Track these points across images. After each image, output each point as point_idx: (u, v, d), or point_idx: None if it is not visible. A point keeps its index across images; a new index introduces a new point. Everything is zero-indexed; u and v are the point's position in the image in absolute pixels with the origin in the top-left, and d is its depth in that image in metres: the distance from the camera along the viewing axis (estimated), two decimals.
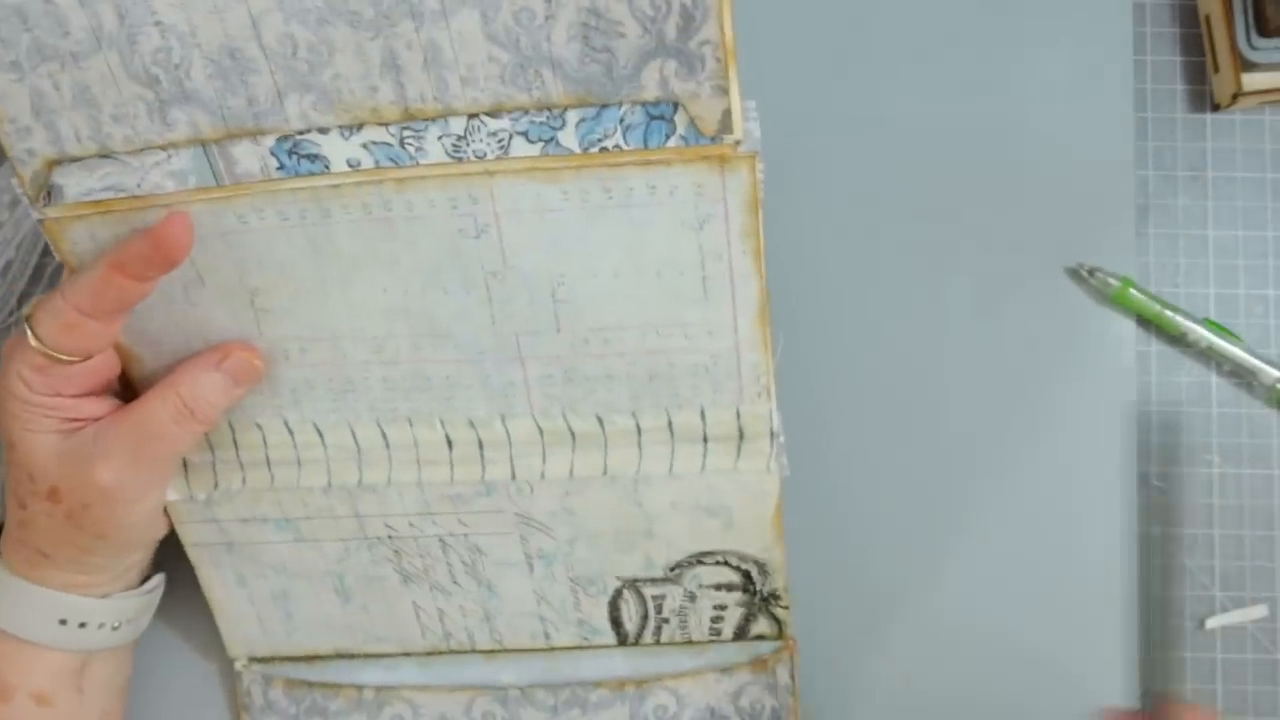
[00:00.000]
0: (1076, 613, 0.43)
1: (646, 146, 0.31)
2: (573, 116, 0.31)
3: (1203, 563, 0.43)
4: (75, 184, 0.33)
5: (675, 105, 0.30)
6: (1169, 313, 0.43)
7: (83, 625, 0.36)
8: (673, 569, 0.39)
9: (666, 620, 0.40)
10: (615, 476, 0.37)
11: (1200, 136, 0.44)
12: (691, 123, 0.30)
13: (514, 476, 0.37)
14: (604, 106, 0.30)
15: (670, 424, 0.36)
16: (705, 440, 0.36)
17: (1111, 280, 0.42)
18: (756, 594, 0.39)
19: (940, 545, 0.43)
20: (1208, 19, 0.43)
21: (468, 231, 0.32)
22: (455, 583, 0.39)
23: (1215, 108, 0.44)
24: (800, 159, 0.44)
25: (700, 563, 0.38)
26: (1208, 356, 0.43)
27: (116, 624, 0.37)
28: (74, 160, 0.33)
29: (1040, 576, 0.43)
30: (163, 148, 0.33)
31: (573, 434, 0.36)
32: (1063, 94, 0.44)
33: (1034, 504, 0.43)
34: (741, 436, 0.36)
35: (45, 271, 0.45)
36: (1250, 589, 0.43)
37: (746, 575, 0.38)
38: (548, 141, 0.31)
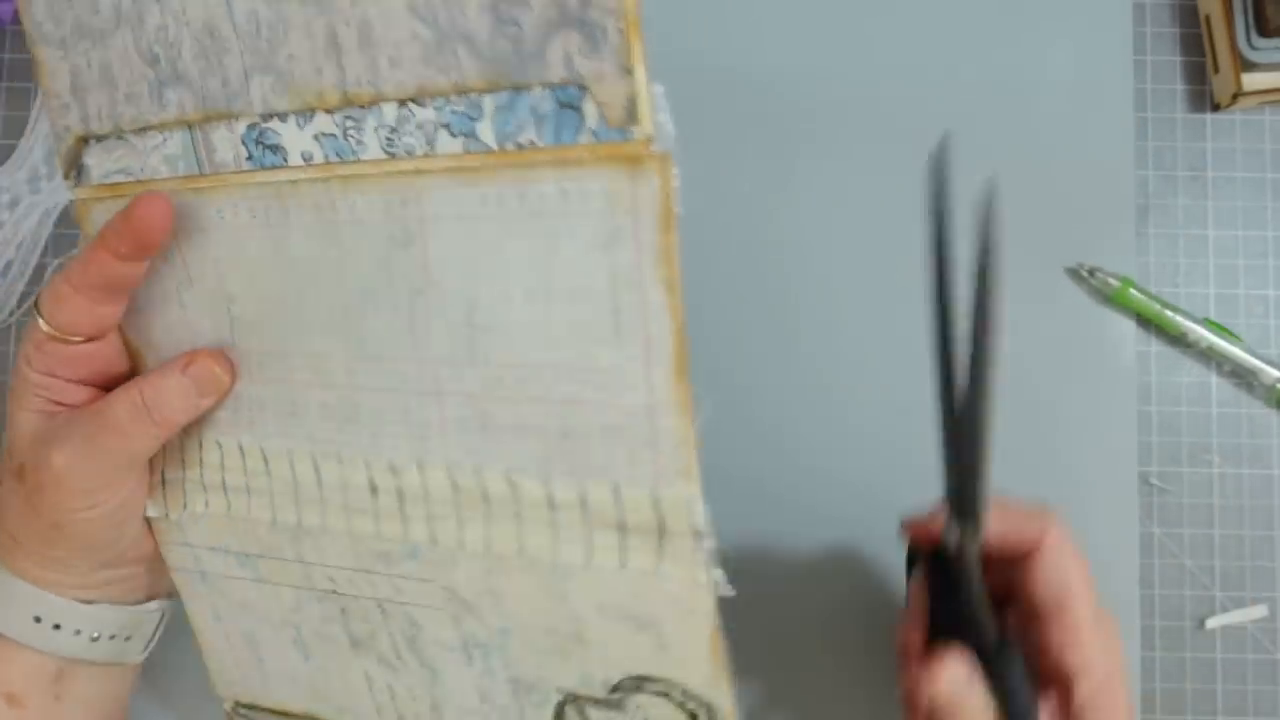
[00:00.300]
0: None
1: (559, 142, 0.28)
2: (489, 104, 0.29)
3: (1203, 563, 0.43)
4: (97, 165, 0.34)
5: (583, 89, 0.27)
6: (1169, 313, 0.43)
7: (57, 627, 0.35)
8: (614, 690, 0.33)
9: None
10: (533, 560, 0.32)
11: (1200, 136, 0.44)
12: (600, 112, 0.27)
13: (435, 541, 0.33)
14: (516, 91, 0.28)
15: (584, 501, 0.31)
16: (622, 530, 0.31)
17: (1111, 280, 0.42)
18: None
19: None
20: (1208, 19, 0.43)
21: (397, 239, 0.31)
22: (399, 658, 0.36)
23: (1215, 108, 0.44)
24: (799, 159, 0.44)
25: (641, 689, 0.33)
26: (1208, 356, 0.43)
27: (95, 634, 0.36)
28: (98, 140, 0.33)
29: None
30: (159, 129, 0.33)
31: (486, 497, 0.32)
32: (1063, 94, 0.44)
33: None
34: (662, 531, 0.30)
35: (45, 272, 0.45)
36: (1250, 589, 0.43)
37: (694, 717, 0.32)
38: (468, 136, 0.29)
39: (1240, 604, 0.43)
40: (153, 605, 0.38)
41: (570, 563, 0.32)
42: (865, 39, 0.44)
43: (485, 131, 0.29)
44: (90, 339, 0.34)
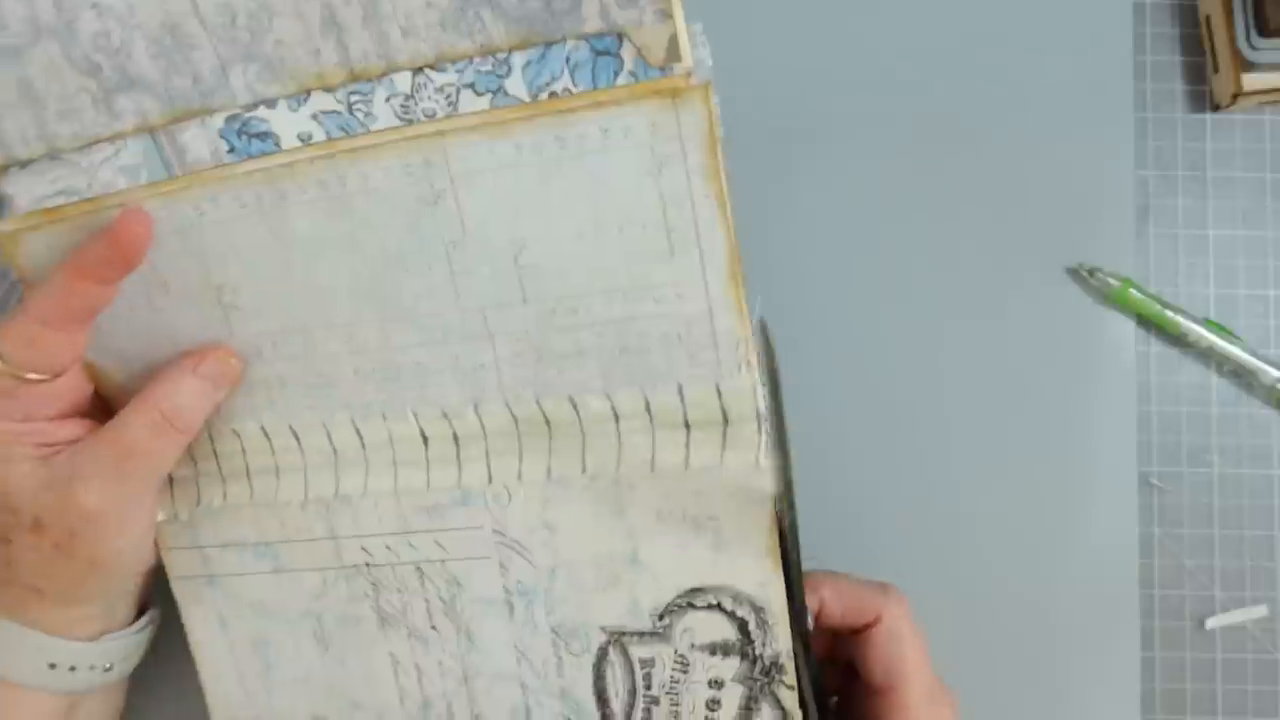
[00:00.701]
0: (1076, 612, 0.43)
1: (595, 86, 0.29)
2: (518, 60, 0.29)
3: (1203, 563, 0.43)
4: (25, 192, 0.32)
5: (620, 37, 0.28)
6: (1169, 313, 0.43)
7: (73, 669, 0.35)
8: (661, 617, 0.35)
9: (656, 701, 0.35)
10: (595, 475, 0.34)
11: (1200, 136, 0.44)
12: (639, 54, 0.28)
13: (491, 478, 0.34)
14: (548, 45, 0.29)
15: (648, 406, 0.33)
16: (687, 426, 0.33)
17: (1111, 280, 0.42)
18: (756, 662, 0.34)
19: (940, 545, 0.43)
20: (1208, 19, 0.43)
21: (425, 198, 0.31)
22: (433, 627, 0.36)
23: (1215, 108, 0.44)
24: (798, 159, 0.44)
25: (691, 606, 0.34)
26: (1208, 356, 0.43)
27: (108, 665, 0.36)
28: (22, 165, 0.32)
29: (1040, 576, 0.43)
30: (111, 140, 0.31)
31: (548, 422, 0.34)
32: (1063, 94, 0.44)
33: (1034, 503, 0.43)
34: (725, 420, 0.33)
35: None
36: (1250, 589, 0.43)
37: (743, 628, 0.34)
38: (495, 92, 0.30)
39: (1240, 604, 0.43)
40: (144, 619, 0.38)
41: (634, 470, 0.34)
42: (865, 38, 0.44)
43: (515, 86, 0.29)
44: (64, 371, 0.33)
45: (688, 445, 0.33)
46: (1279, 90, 0.42)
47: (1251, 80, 0.42)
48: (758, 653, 0.34)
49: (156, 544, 0.37)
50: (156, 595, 0.38)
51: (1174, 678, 0.43)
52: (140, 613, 0.38)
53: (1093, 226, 0.43)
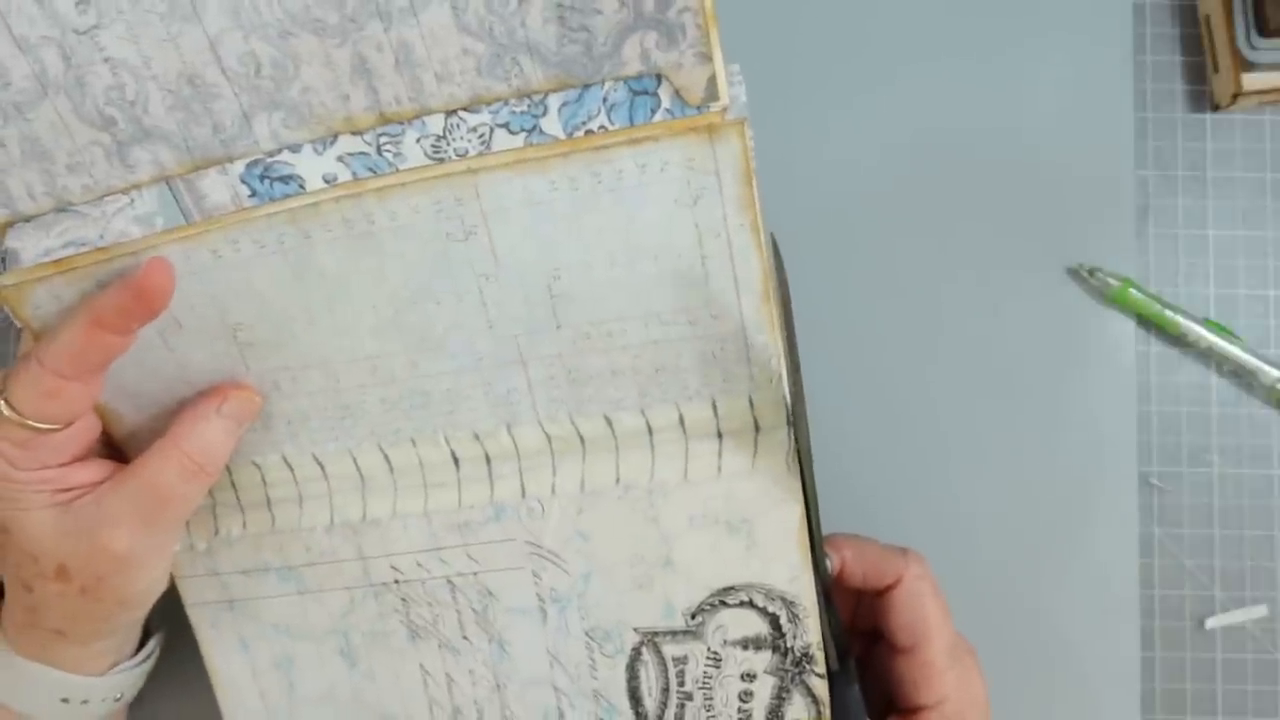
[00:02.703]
0: (1077, 611, 0.43)
1: (632, 124, 0.29)
2: (554, 101, 0.30)
3: (1203, 563, 0.43)
4: (32, 245, 0.31)
5: (659, 77, 0.29)
6: (1169, 313, 0.43)
7: (85, 702, 0.35)
8: (694, 616, 0.35)
9: (690, 696, 0.36)
10: (629, 486, 0.34)
11: (1200, 136, 0.44)
12: (676, 94, 0.29)
13: (524, 493, 0.35)
14: (586, 87, 0.29)
15: (682, 420, 0.34)
16: (719, 436, 0.34)
17: (1111, 280, 0.42)
18: (788, 654, 0.35)
19: (940, 545, 0.43)
20: (1208, 19, 0.43)
21: (455, 235, 0.31)
22: (465, 637, 0.37)
23: (1215, 108, 0.44)
24: (798, 159, 0.44)
25: (724, 604, 0.35)
26: (1208, 356, 0.43)
27: (118, 696, 0.36)
28: (28, 220, 0.31)
29: (1040, 576, 0.43)
30: (125, 191, 0.31)
31: (581, 438, 0.34)
32: (1063, 94, 0.44)
33: (1034, 503, 0.43)
34: (757, 428, 0.33)
35: None
36: (1250, 589, 0.43)
37: (775, 623, 0.34)
38: (530, 131, 0.30)
39: (1240, 604, 0.43)
40: (150, 646, 0.38)
41: (667, 479, 0.34)
42: (864, 38, 0.44)
43: (551, 125, 0.30)
44: (77, 419, 0.32)
45: (720, 453, 0.34)
46: (1279, 90, 0.42)
47: (1251, 80, 0.42)
48: (789, 645, 0.35)
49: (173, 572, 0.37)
50: (156, 614, 0.38)
51: (1174, 678, 0.43)
52: (144, 636, 0.38)
53: (1093, 226, 0.43)
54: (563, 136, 0.30)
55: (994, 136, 0.44)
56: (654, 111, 0.29)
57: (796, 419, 0.33)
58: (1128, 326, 0.43)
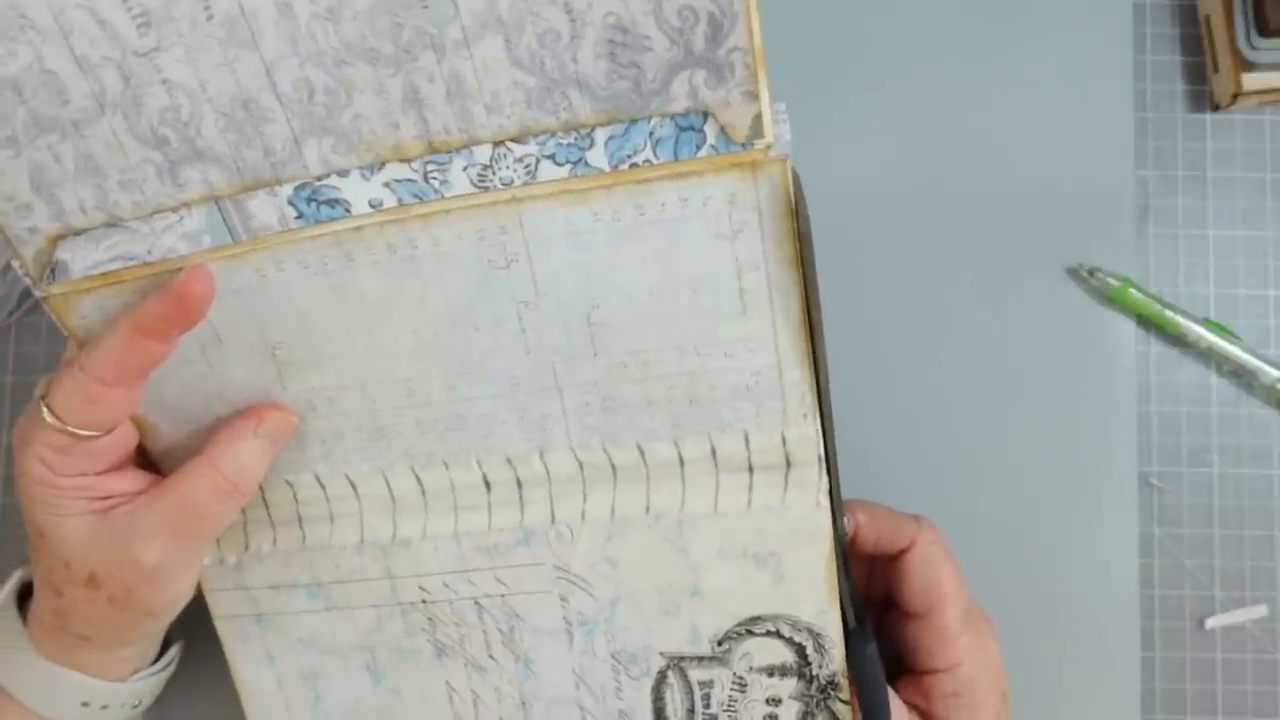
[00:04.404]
0: (1077, 611, 0.43)
1: (677, 159, 0.30)
2: (601, 135, 0.30)
3: (1203, 563, 0.43)
4: (81, 258, 0.32)
5: (705, 114, 0.29)
6: (1169, 313, 0.43)
7: (105, 707, 0.35)
8: (720, 643, 0.35)
9: (715, 717, 0.36)
10: (659, 515, 0.35)
11: (1200, 136, 0.44)
12: (722, 131, 0.29)
13: (554, 519, 0.35)
14: (633, 121, 0.30)
15: (714, 452, 0.34)
16: (750, 470, 0.34)
17: (1111, 280, 0.42)
18: (813, 681, 0.35)
19: None
20: (1208, 19, 0.43)
21: (497, 263, 0.31)
22: (491, 656, 0.37)
23: (1215, 108, 0.44)
24: (798, 158, 0.44)
25: (750, 633, 0.35)
26: (1208, 356, 0.43)
27: (136, 703, 0.37)
28: (79, 233, 0.32)
29: (1040, 576, 0.43)
30: (174, 209, 0.31)
31: (613, 466, 0.35)
32: (1063, 94, 0.44)
33: (1034, 503, 0.43)
34: (788, 464, 0.33)
35: None
36: (1250, 589, 0.43)
37: (801, 652, 0.35)
38: (576, 163, 0.30)
39: (1240, 604, 0.43)
40: (170, 654, 0.39)
41: (697, 511, 0.34)
42: (864, 38, 0.44)
43: (596, 158, 0.30)
44: (116, 427, 0.33)
45: (750, 488, 0.34)
46: (1279, 90, 0.42)
47: (1251, 80, 0.42)
48: (814, 673, 0.35)
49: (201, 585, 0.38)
50: (176, 624, 0.38)
51: (1174, 678, 0.43)
52: (164, 644, 0.39)
53: (1093, 226, 0.43)
54: (607, 169, 0.30)
55: (994, 137, 0.44)
56: (699, 147, 0.30)
57: (827, 444, 0.33)
58: (1128, 326, 0.43)
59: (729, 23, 0.28)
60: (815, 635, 0.35)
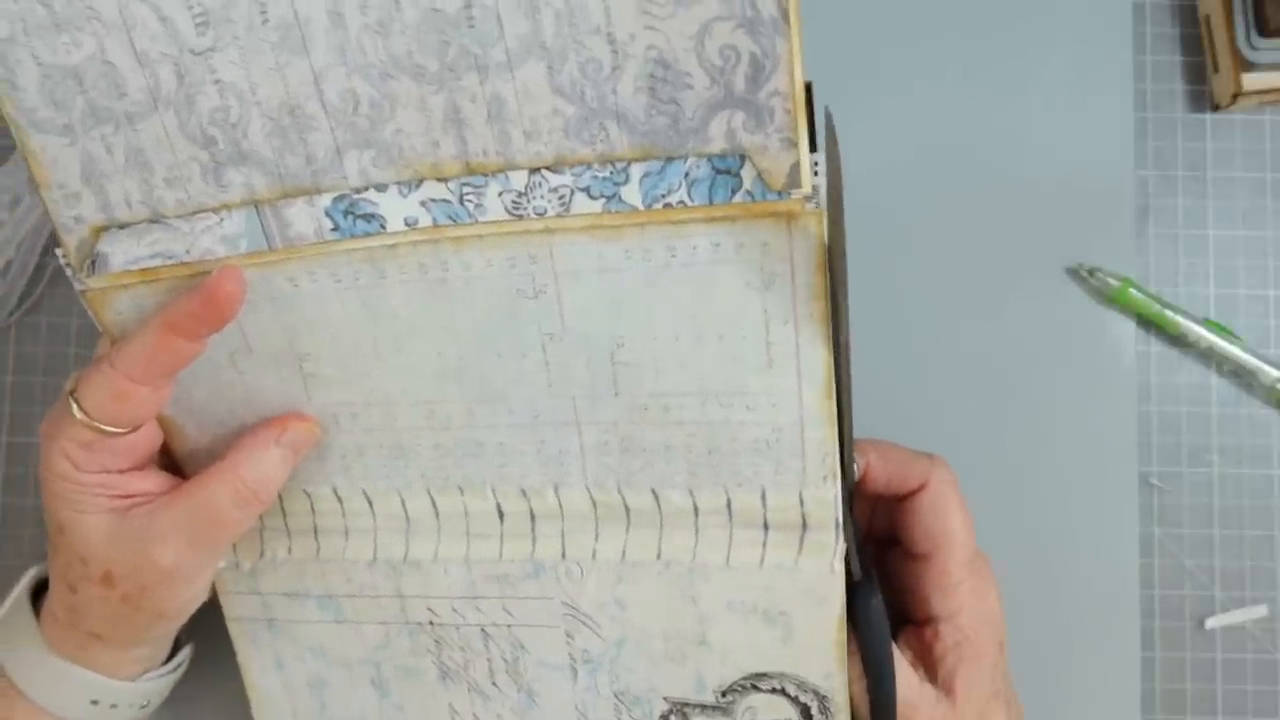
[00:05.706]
0: (1077, 611, 0.43)
1: (712, 202, 0.29)
2: (637, 171, 0.29)
3: (1203, 563, 0.43)
4: (122, 252, 0.32)
5: (742, 158, 0.29)
6: (1169, 313, 0.43)
7: (114, 706, 0.36)
8: (725, 694, 0.35)
9: None
10: (670, 563, 0.34)
11: (1200, 136, 0.44)
12: (759, 176, 0.29)
13: (564, 555, 0.35)
14: (669, 160, 0.29)
15: (729, 505, 0.33)
16: (766, 528, 0.33)
17: (1111, 280, 0.42)
18: None
19: None
20: (1208, 19, 0.43)
21: (525, 292, 0.31)
22: (494, 684, 0.37)
23: (1215, 108, 0.44)
24: None
25: (755, 688, 0.35)
26: (1208, 356, 0.43)
27: (144, 703, 0.37)
28: (122, 226, 0.32)
29: (1040, 576, 0.43)
30: (215, 210, 0.32)
31: (627, 509, 0.34)
32: (1063, 94, 0.44)
33: (1034, 503, 0.43)
34: (805, 526, 0.33)
35: (45, 272, 0.45)
36: (1250, 589, 0.43)
37: (806, 712, 0.35)
38: (610, 198, 0.30)
39: (1240, 604, 0.43)
40: (181, 655, 0.39)
41: (709, 562, 0.34)
42: (864, 38, 0.44)
43: (631, 194, 0.30)
44: (142, 425, 0.33)
45: (764, 545, 0.34)
46: (1279, 90, 0.42)
47: (1251, 80, 0.42)
48: None
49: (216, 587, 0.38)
50: (186, 627, 0.38)
51: (1174, 678, 0.43)
52: (175, 646, 0.39)
53: (1093, 226, 0.43)
54: (641, 207, 0.30)
55: (994, 137, 0.44)
56: (734, 192, 0.29)
57: (838, 301, 0.32)
58: (1128, 326, 0.43)
59: (770, 64, 0.27)
60: (821, 698, 0.34)
